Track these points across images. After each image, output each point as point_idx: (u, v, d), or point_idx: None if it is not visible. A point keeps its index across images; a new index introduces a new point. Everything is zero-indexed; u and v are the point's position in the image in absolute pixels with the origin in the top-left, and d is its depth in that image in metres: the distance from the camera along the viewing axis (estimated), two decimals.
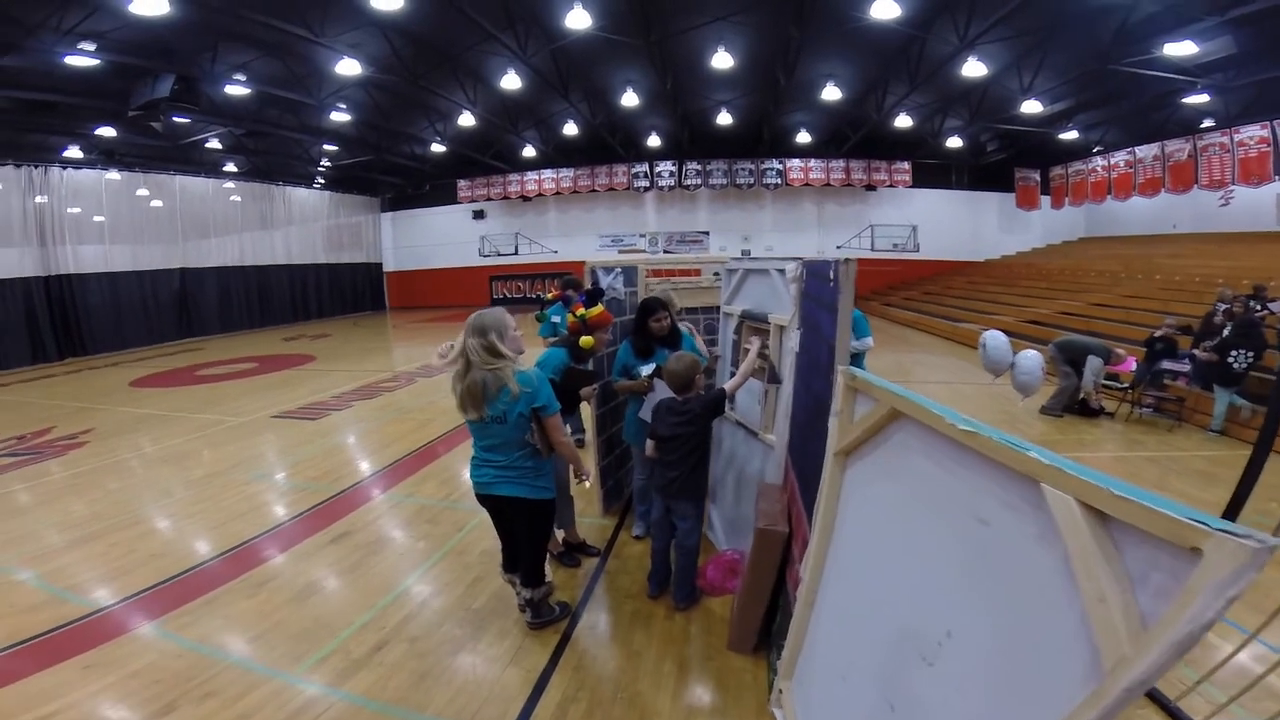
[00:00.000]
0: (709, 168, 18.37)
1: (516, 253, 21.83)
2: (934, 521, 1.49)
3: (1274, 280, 8.56)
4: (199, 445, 6.44)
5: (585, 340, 3.17)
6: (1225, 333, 6.79)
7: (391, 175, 20.07)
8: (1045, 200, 18.96)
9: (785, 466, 2.99)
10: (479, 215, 21.81)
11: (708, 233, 20.22)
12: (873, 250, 19.38)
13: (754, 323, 3.48)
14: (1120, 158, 14.84)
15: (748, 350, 3.56)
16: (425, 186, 21.59)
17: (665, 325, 3.59)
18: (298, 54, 10.54)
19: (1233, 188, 12.49)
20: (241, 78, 10.72)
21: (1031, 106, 12.16)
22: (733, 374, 3.67)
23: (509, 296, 21.88)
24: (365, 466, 5.68)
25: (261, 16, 8.35)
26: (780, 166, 17.93)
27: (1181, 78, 9.63)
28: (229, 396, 8.89)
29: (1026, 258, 18.70)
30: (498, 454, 2.65)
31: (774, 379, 3.21)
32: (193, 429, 7.11)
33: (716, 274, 4.73)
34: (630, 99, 13.42)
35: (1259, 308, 6.97)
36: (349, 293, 21.77)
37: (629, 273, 4.28)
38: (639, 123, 16.25)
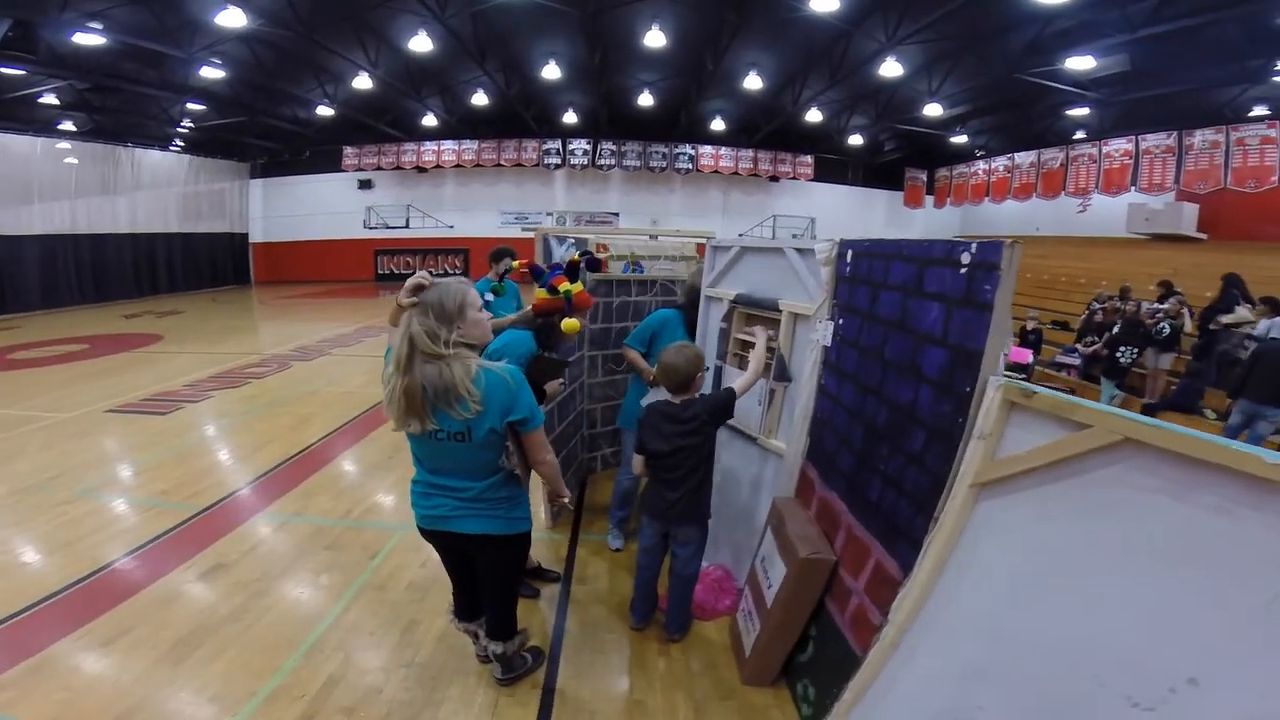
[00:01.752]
0: (624, 149, 17.79)
1: (407, 226, 20.02)
2: (1181, 567, 1.19)
3: (1128, 282, 9.51)
4: (4, 450, 4.94)
5: (570, 324, 2.51)
6: (1115, 330, 7.44)
7: (266, 139, 17.56)
8: (929, 200, 20.29)
9: (806, 478, 2.56)
10: (366, 185, 19.78)
11: (618, 214, 19.73)
12: (774, 239, 19.84)
13: (752, 309, 3.00)
14: (1000, 163, 16.08)
15: (741, 340, 3.09)
16: (305, 153, 19.15)
17: None
18: (168, 2, 8.77)
19: (1093, 196, 13.89)
20: (98, 26, 8.64)
21: (933, 109, 12.74)
22: (719, 367, 3.20)
23: (396, 272, 20.06)
24: (235, 476, 4.53)
25: None
26: (693, 152, 17.74)
27: (1073, 90, 10.43)
28: (49, 385, 7.05)
29: None
30: (457, 479, 1.98)
31: (782, 376, 2.76)
32: None
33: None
34: (552, 72, 12.47)
35: (1152, 308, 7.65)
36: (207, 265, 18.91)
37: (582, 246, 3.73)
38: (557, 98, 15.29)
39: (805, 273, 2.62)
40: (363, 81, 12.55)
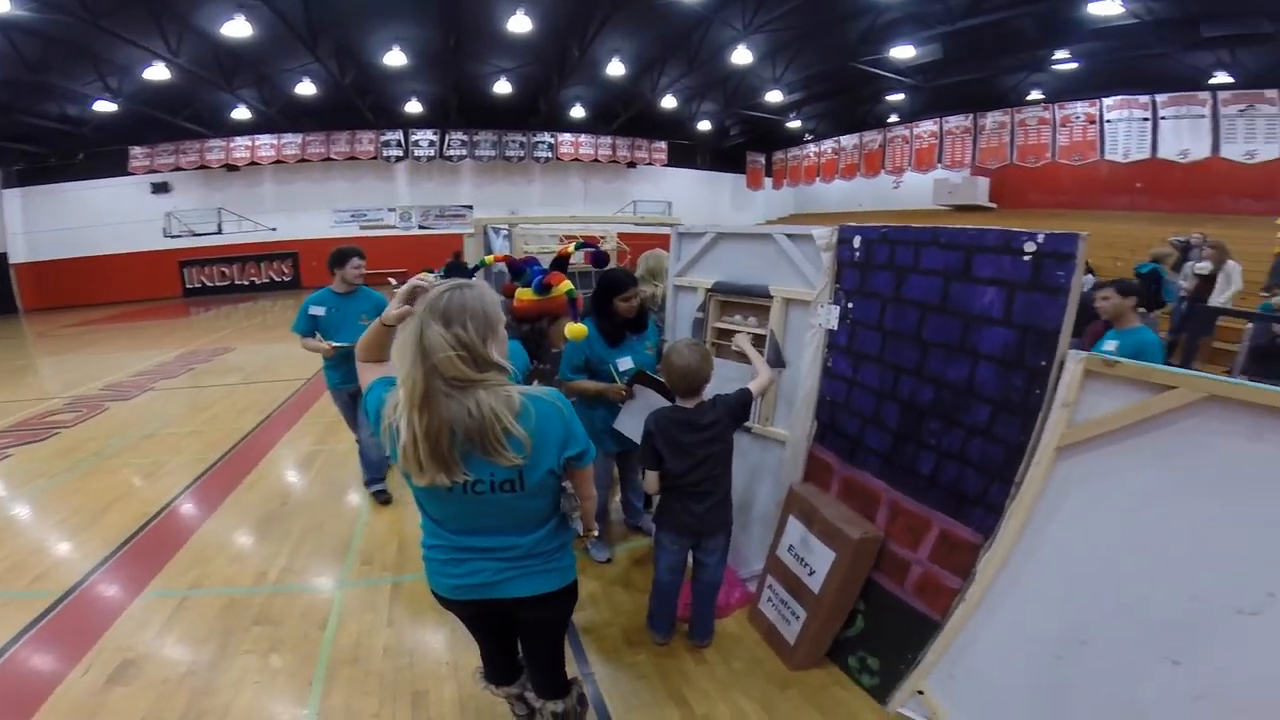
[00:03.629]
0: (476, 138, 16.87)
1: (219, 232, 17.40)
2: (1263, 494, 1.41)
3: None
4: None
5: (576, 330, 2.20)
6: None
7: (24, 141, 14.10)
8: (769, 182, 21.85)
9: (818, 461, 2.59)
10: (162, 189, 16.76)
11: (471, 206, 18.77)
12: (636, 226, 20.23)
13: (734, 297, 2.96)
14: (828, 145, 17.72)
15: (720, 329, 3.03)
16: (79, 155, 15.72)
17: (634, 306, 2.88)
18: None
19: (906, 173, 15.86)
20: None
21: (774, 96, 13.69)
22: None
23: (209, 285, 17.52)
24: (87, 550, 3.56)
25: None
26: (553, 140, 17.34)
27: (894, 77, 11.74)
28: None
29: None
30: (500, 537, 1.57)
31: (777, 361, 2.75)
32: None
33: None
34: (396, 59, 11.37)
35: None
36: None
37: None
38: (399, 86, 14.04)
39: (800, 258, 2.61)
40: (157, 72, 10.57)
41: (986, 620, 1.90)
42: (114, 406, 6.75)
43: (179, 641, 2.73)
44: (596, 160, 18.36)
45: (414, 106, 15.27)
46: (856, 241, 2.35)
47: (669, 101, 14.79)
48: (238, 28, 9.08)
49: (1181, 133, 10.18)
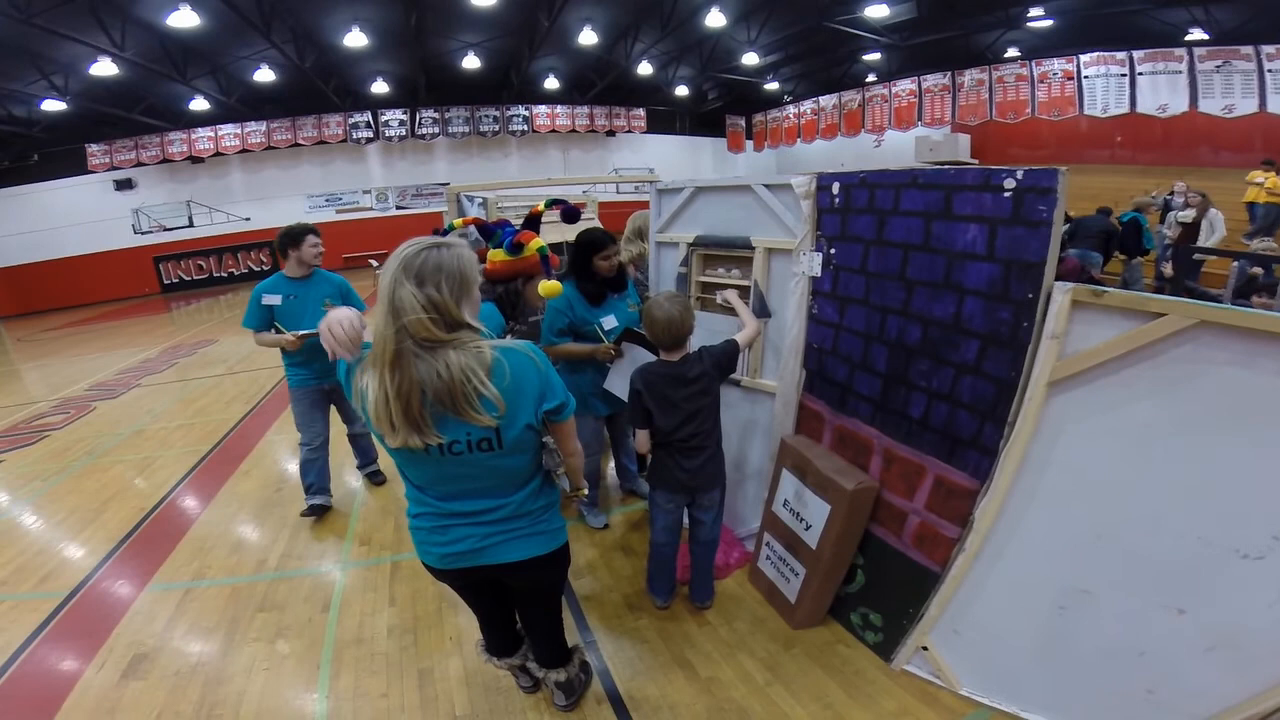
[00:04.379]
0: (448, 115, 16.45)
1: (191, 225, 16.96)
2: (1261, 427, 1.38)
3: None
4: None
5: (551, 287, 2.11)
6: None
7: None
8: (749, 145, 21.59)
9: (809, 411, 2.59)
10: (126, 185, 16.25)
11: (448, 184, 18.45)
12: (619, 193, 19.98)
13: (716, 249, 2.92)
14: (808, 106, 17.48)
15: (704, 283, 2.99)
16: (33, 157, 15.17)
17: (614, 264, 2.85)
18: None
19: (887, 132, 15.72)
20: None
21: (750, 58, 13.43)
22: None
23: (187, 279, 17.18)
24: (88, 548, 3.57)
25: None
26: (527, 113, 16.98)
27: (869, 36, 11.55)
28: None
29: None
30: (483, 499, 1.55)
31: (763, 312, 2.72)
32: None
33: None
34: (357, 39, 10.97)
35: None
36: None
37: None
38: (363, 67, 13.60)
39: (780, 208, 2.58)
40: (105, 68, 10.12)
41: (988, 571, 1.90)
42: (101, 405, 6.67)
43: (188, 633, 2.75)
44: (575, 131, 18.04)
45: (381, 87, 14.83)
46: (835, 188, 2.32)
47: (645, 68, 14.47)
48: (184, 18, 8.70)
49: (1159, 88, 10.22)
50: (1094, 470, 1.65)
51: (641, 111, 18.64)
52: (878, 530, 2.27)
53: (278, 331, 3.26)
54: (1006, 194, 1.73)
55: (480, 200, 3.25)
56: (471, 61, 13.35)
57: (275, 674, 2.46)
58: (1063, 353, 1.66)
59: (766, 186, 2.64)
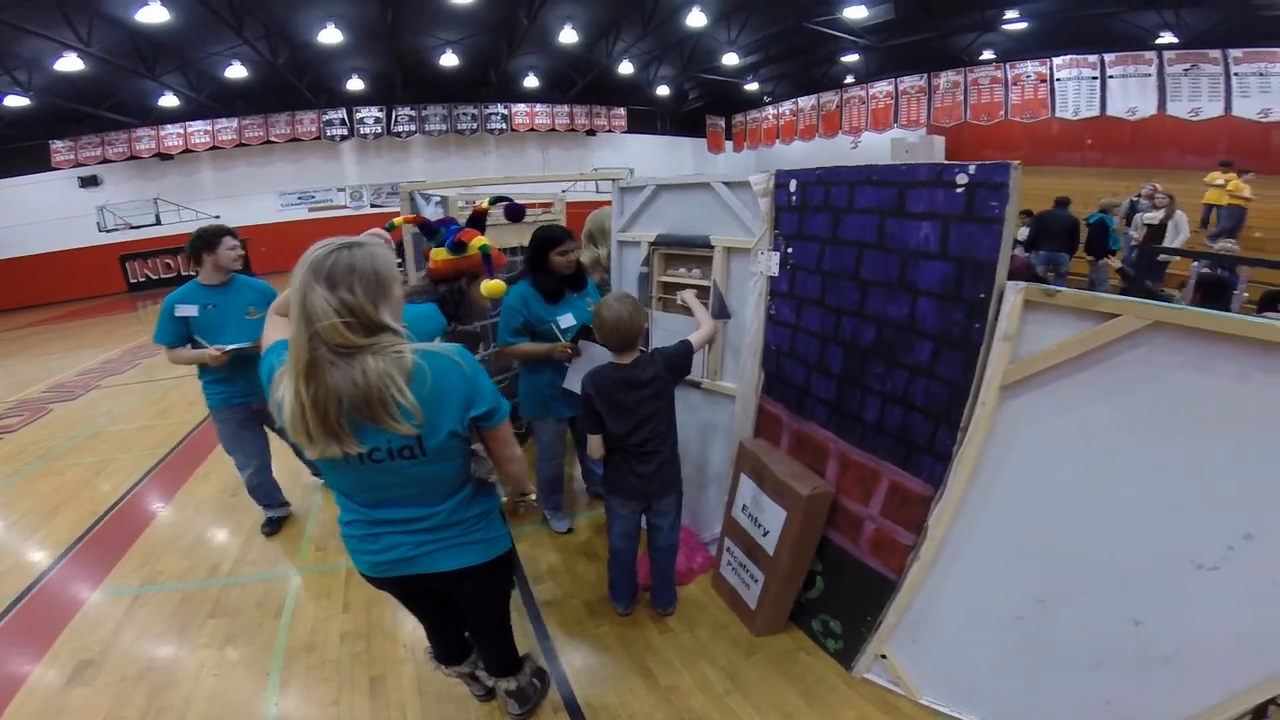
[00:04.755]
0: (425, 113, 16.22)
1: (158, 223, 16.51)
2: (1215, 432, 1.35)
3: None
4: None
5: (493, 286, 2.03)
6: None
7: None
8: (729, 145, 21.64)
9: (768, 414, 2.55)
10: (91, 182, 15.82)
11: (424, 182, 18.25)
12: (597, 192, 19.90)
13: (676, 249, 2.87)
14: (786, 107, 17.55)
15: (665, 283, 2.95)
16: None
17: (572, 260, 2.78)
18: None
19: (864, 133, 15.83)
20: None
21: (730, 59, 13.43)
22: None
23: (154, 278, 16.69)
24: (36, 552, 3.47)
25: None
26: (507, 111, 16.79)
27: (847, 37, 11.61)
28: None
29: None
30: (411, 508, 1.49)
31: (722, 313, 2.68)
32: None
33: None
34: (332, 36, 10.76)
35: None
36: None
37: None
38: (338, 64, 13.34)
39: (739, 206, 2.54)
40: (70, 63, 9.82)
41: (944, 579, 1.87)
42: (57, 408, 6.47)
43: (136, 638, 2.68)
44: (554, 130, 17.89)
45: (356, 84, 14.59)
46: (792, 185, 2.27)
47: (626, 67, 14.42)
48: (153, 13, 8.50)
49: (1129, 91, 10.38)
50: (1049, 477, 1.63)
51: (622, 111, 18.57)
52: (835, 536, 2.24)
53: (195, 346, 2.94)
54: (959, 189, 1.69)
55: (438, 199, 3.13)
56: (449, 59, 13.20)
57: (224, 680, 2.40)
58: (1015, 355, 1.63)
59: (726, 184, 2.59)
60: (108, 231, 16.27)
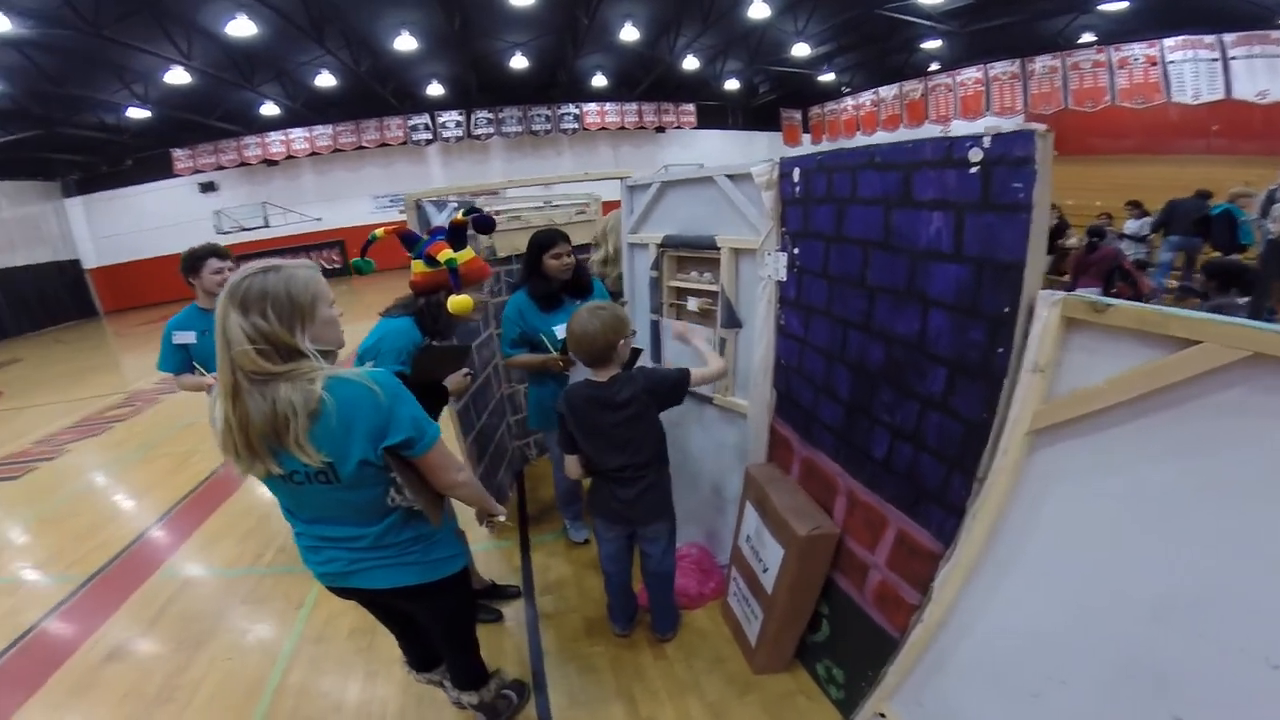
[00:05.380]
0: (501, 115, 16.74)
1: (267, 225, 17.96)
2: None
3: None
4: None
5: (459, 302, 1.91)
6: None
7: (74, 152, 14.91)
8: (806, 138, 20.86)
9: (779, 437, 2.37)
10: (209, 188, 17.47)
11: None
12: (700, 169, 19.84)
13: (684, 251, 2.70)
14: (866, 97, 16.68)
15: (677, 288, 2.78)
16: (127, 161, 16.53)
17: (567, 264, 2.66)
18: None
19: (954, 122, 14.78)
20: None
21: (801, 49, 12.94)
22: (655, 322, 2.90)
23: None
24: (111, 537, 3.87)
25: None
26: (577, 111, 17.05)
27: (925, 23, 10.88)
28: None
29: None
30: (342, 527, 1.48)
31: (731, 322, 2.47)
32: None
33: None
34: (407, 43, 11.27)
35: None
36: (37, 303, 15.99)
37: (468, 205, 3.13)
38: (416, 70, 13.98)
39: (743, 201, 2.29)
40: (179, 76, 10.79)
41: (953, 645, 1.61)
42: (166, 400, 7.17)
43: (173, 622, 2.92)
44: (624, 128, 17.97)
45: (435, 89, 15.20)
46: (796, 174, 2.00)
47: (691, 63, 14.19)
48: (242, 26, 9.15)
49: (1256, 73, 9.23)
50: (1088, 547, 1.27)
51: (691, 106, 18.38)
52: (840, 580, 2.04)
53: (197, 373, 2.76)
54: (973, 169, 1.35)
55: (452, 205, 3.11)
56: (519, 61, 13.51)
57: (236, 665, 2.58)
58: (1051, 391, 1.26)
59: (729, 177, 2.36)
60: (224, 234, 17.87)
